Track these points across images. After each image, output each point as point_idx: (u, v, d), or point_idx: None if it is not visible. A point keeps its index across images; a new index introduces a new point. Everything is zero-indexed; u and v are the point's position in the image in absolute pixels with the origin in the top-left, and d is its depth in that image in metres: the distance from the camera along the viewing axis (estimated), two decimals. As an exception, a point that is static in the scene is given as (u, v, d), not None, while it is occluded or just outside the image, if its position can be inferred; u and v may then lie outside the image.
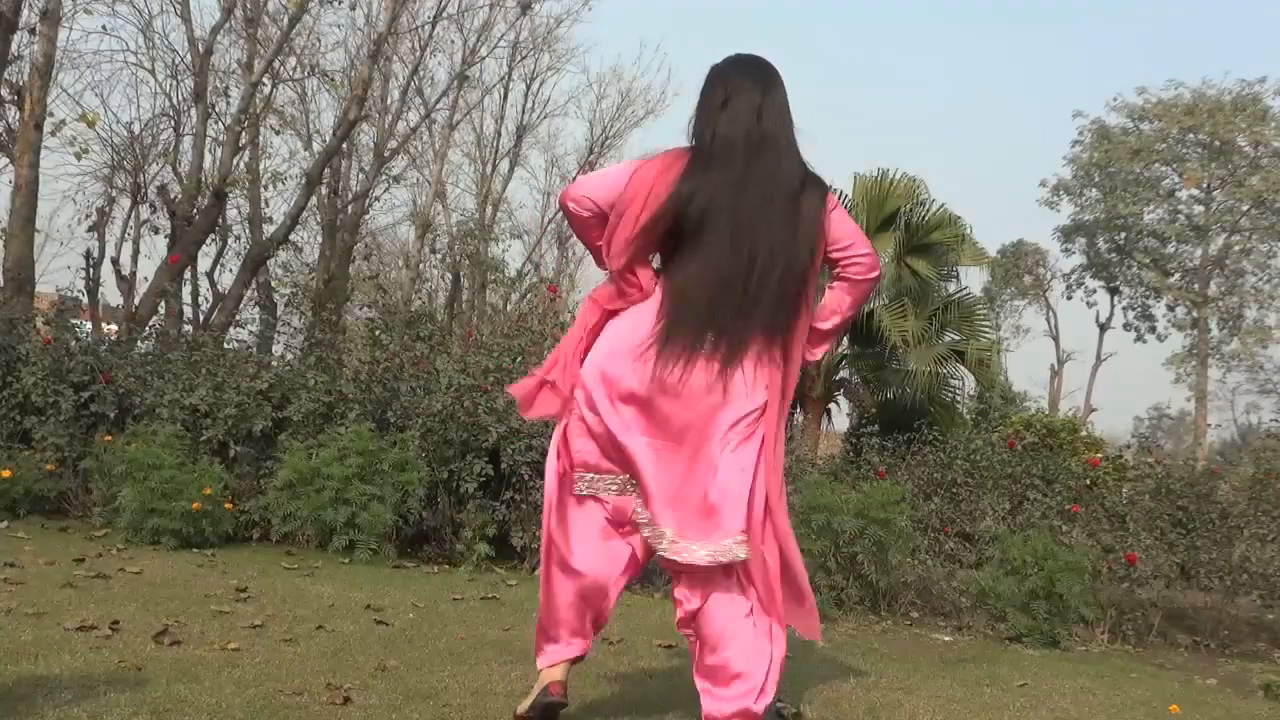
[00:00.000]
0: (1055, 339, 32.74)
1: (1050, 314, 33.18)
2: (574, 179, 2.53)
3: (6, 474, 5.70)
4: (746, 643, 2.46)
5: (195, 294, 11.91)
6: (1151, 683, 4.36)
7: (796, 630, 2.63)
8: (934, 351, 10.02)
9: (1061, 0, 57.56)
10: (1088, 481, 6.73)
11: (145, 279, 10.43)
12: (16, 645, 3.01)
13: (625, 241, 2.49)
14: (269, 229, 11.76)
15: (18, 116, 8.75)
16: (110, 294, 11.23)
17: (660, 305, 2.49)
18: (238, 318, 10.90)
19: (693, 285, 2.45)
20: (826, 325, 2.68)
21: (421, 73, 14.92)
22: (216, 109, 11.24)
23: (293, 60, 12.30)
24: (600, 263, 2.64)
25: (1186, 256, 29.16)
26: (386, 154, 13.54)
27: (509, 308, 17.19)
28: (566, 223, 2.52)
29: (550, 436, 2.65)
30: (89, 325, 9.32)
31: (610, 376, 2.49)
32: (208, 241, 11.19)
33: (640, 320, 2.50)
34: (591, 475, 2.55)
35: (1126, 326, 30.86)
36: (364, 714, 2.69)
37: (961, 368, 10.23)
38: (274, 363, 7.04)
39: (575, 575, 2.55)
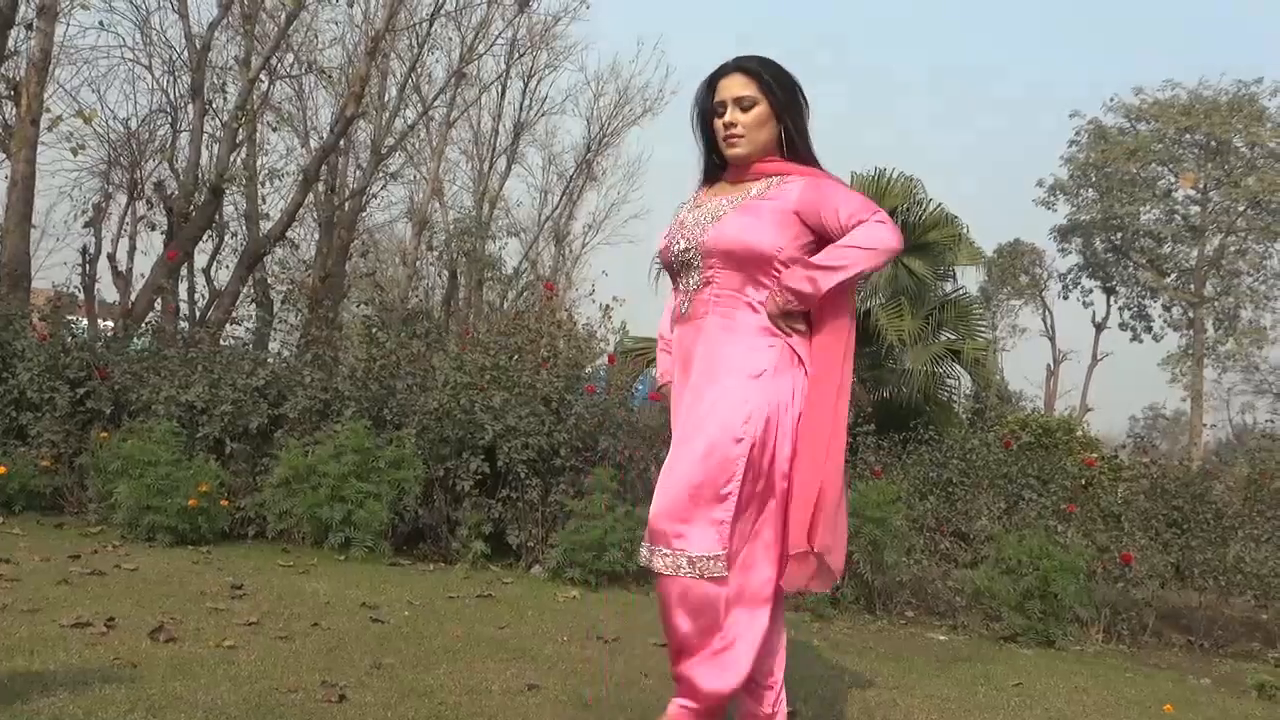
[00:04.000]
0: (1051, 339, 32.78)
1: (1046, 314, 33.21)
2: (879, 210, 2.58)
3: (2, 470, 5.70)
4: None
5: (192, 290, 11.94)
6: (1146, 682, 4.37)
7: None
8: (930, 351, 10.03)
9: (1061, 0, 57.64)
10: (1083, 481, 6.73)
11: (142, 275, 10.42)
12: (11, 642, 3.01)
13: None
14: (266, 226, 11.73)
15: (14, 112, 8.74)
16: (106, 290, 11.24)
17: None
18: (234, 314, 10.89)
19: None
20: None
21: (419, 70, 14.94)
22: (214, 105, 11.22)
23: (290, 57, 12.32)
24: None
25: (1183, 257, 29.17)
26: (384, 151, 13.52)
27: (506, 305, 17.19)
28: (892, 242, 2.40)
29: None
30: (85, 321, 9.29)
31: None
32: (204, 238, 11.18)
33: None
34: None
35: (1122, 326, 30.89)
36: (359, 711, 2.69)
37: (958, 367, 10.23)
38: (270, 360, 7.04)
39: None
